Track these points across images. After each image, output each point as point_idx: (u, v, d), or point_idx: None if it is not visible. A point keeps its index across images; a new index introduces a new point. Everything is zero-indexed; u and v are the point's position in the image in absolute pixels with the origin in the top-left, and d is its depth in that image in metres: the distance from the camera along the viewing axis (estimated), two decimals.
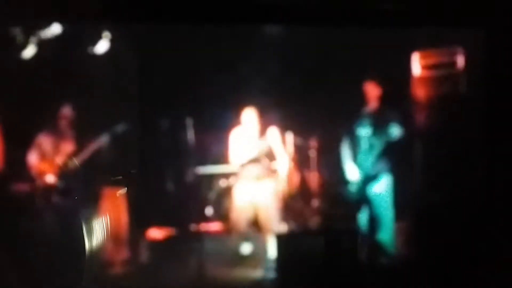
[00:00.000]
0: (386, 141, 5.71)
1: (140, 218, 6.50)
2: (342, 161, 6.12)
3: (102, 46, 6.31)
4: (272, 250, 5.78)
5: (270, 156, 6.20)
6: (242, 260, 6.05)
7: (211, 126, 6.14)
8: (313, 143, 7.50)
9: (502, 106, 5.02)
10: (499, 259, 4.69)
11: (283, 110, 7.73)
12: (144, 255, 6.38)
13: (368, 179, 5.86)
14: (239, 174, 6.11)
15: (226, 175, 6.46)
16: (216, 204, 6.91)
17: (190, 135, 6.59)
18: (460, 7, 4.89)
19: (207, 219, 6.77)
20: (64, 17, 5.47)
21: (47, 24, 5.72)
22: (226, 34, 6.73)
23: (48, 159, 5.70)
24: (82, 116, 5.83)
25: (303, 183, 7.55)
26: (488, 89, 5.14)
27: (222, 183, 6.36)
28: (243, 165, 6.10)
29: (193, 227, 6.59)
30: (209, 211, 6.88)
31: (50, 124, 5.81)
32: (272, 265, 5.64)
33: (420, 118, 6.10)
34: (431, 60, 6.13)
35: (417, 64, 6.17)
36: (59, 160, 5.70)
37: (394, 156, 5.80)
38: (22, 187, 5.71)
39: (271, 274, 5.66)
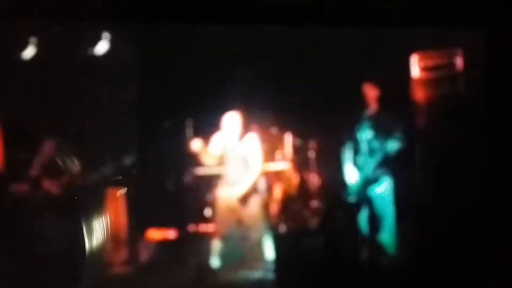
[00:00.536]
0: (386, 143, 5.69)
1: (140, 218, 6.50)
2: (342, 163, 6.10)
3: (101, 47, 6.31)
4: (271, 251, 5.77)
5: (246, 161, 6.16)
6: (242, 261, 6.03)
7: (211, 127, 6.09)
8: (313, 144, 7.50)
9: (502, 107, 5.01)
10: (502, 260, 4.68)
11: (281, 111, 7.76)
12: (145, 256, 6.37)
13: (368, 181, 5.85)
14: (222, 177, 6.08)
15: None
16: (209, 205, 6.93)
17: (190, 135, 6.58)
18: (459, 6, 4.89)
19: (206, 220, 6.78)
20: (64, 17, 5.48)
21: (47, 24, 5.70)
22: (226, 34, 6.74)
23: (48, 160, 5.68)
24: (81, 117, 5.81)
25: (303, 184, 7.55)
26: (488, 90, 5.13)
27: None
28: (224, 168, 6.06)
29: (193, 228, 6.58)
30: (207, 212, 6.90)
31: (49, 125, 5.79)
32: (272, 266, 5.62)
33: (420, 119, 6.09)
34: (431, 62, 6.12)
35: (416, 66, 6.17)
36: (59, 160, 5.68)
37: (394, 158, 5.79)
38: (21, 187, 5.69)
39: (271, 275, 5.64)
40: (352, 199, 6.02)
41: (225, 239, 5.91)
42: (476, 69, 5.57)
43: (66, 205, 5.55)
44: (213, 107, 6.18)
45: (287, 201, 7.33)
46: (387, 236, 5.77)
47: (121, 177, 6.11)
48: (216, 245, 5.94)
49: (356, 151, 5.96)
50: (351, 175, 5.98)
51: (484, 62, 5.18)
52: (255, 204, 6.03)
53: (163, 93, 7.22)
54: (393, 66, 6.28)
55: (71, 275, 5.40)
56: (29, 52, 5.93)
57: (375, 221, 5.85)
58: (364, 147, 5.87)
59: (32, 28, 5.84)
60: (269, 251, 5.87)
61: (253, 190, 6.35)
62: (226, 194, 5.98)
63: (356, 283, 5.23)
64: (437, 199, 5.71)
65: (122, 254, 6.30)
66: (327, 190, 7.34)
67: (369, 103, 5.92)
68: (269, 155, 7.54)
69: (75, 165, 5.68)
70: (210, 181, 6.38)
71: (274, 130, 7.63)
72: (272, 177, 7.32)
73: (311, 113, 7.52)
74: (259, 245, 5.91)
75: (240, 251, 6.06)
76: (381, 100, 5.93)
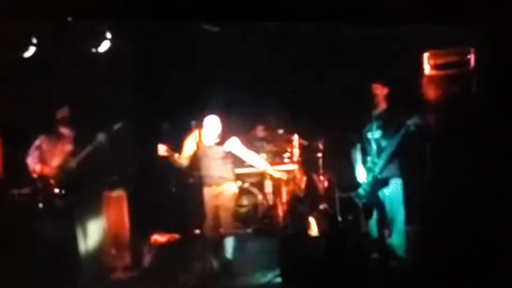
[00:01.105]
0: (395, 142, 5.60)
1: (142, 223, 6.47)
2: (351, 163, 6.02)
3: (103, 46, 6.28)
4: (276, 252, 5.70)
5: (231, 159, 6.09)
6: (247, 262, 5.98)
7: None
8: (321, 145, 7.43)
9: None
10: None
11: (289, 111, 7.71)
12: (146, 260, 6.34)
13: (378, 181, 5.75)
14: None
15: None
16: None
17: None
18: (468, 6, 4.83)
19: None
20: (65, 16, 5.46)
21: (48, 22, 5.68)
22: (230, 33, 6.71)
23: (47, 161, 5.64)
24: (80, 117, 5.76)
25: (310, 185, 7.48)
26: (496, 88, 5.07)
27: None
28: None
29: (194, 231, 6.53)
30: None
31: (49, 126, 5.75)
32: (279, 267, 5.55)
33: (430, 119, 6.01)
34: (440, 60, 6.04)
35: (426, 65, 6.09)
36: (58, 161, 5.65)
37: (404, 158, 5.70)
38: (20, 189, 5.68)
39: (277, 278, 5.57)
40: (361, 200, 5.93)
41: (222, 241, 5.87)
42: (486, 67, 5.50)
43: (63, 207, 5.55)
44: (216, 108, 6.08)
45: (295, 203, 7.28)
46: (397, 238, 5.68)
47: (119, 179, 6.10)
48: (216, 247, 5.89)
49: (365, 152, 5.87)
50: (360, 176, 5.88)
51: (493, 60, 5.13)
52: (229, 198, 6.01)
53: (163, 96, 7.21)
54: (402, 65, 6.23)
55: (69, 277, 5.41)
56: (28, 50, 5.93)
57: (385, 223, 5.77)
58: (374, 147, 5.77)
59: (31, 27, 5.83)
60: (273, 253, 5.79)
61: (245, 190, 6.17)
62: (211, 193, 5.93)
63: (364, 285, 5.19)
64: (447, 199, 5.64)
65: (124, 258, 6.28)
66: (335, 191, 7.29)
67: (378, 103, 5.83)
68: (277, 157, 7.50)
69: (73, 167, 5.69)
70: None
71: (281, 131, 7.59)
72: (279, 178, 7.26)
73: (319, 113, 7.48)
74: (262, 247, 5.83)
75: (243, 253, 6.00)
76: (390, 99, 5.85)
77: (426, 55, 6.07)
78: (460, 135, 5.71)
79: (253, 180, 7.14)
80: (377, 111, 5.84)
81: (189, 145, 5.96)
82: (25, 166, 5.63)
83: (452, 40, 5.89)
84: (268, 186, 7.16)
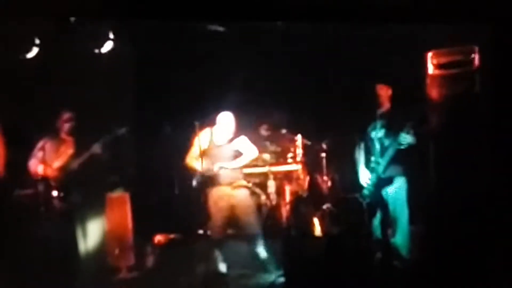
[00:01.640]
0: (399, 143, 5.58)
1: (145, 223, 6.47)
2: (354, 163, 6.01)
3: (105, 47, 6.28)
4: (280, 253, 5.68)
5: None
6: (249, 264, 5.95)
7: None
8: (324, 145, 7.42)
9: None
10: None
11: (293, 111, 7.69)
12: (150, 260, 6.34)
13: (381, 181, 5.73)
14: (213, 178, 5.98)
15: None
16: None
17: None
18: (472, 4, 4.81)
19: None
20: (67, 16, 5.46)
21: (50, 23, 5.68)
22: (234, 34, 6.70)
23: (50, 163, 5.64)
24: (82, 119, 5.75)
25: (314, 185, 7.46)
26: (501, 88, 5.04)
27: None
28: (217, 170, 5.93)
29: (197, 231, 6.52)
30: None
31: (52, 127, 5.76)
32: (282, 268, 5.54)
33: (433, 119, 5.98)
34: (443, 60, 6.00)
35: (429, 64, 6.06)
36: (60, 163, 5.65)
37: (407, 158, 5.68)
38: (23, 190, 5.68)
39: (280, 278, 5.55)
40: (364, 200, 5.91)
41: (227, 241, 5.84)
42: (489, 67, 5.47)
43: (65, 208, 5.55)
44: (218, 108, 6.06)
45: (298, 203, 7.26)
46: (401, 238, 5.66)
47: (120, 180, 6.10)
48: (220, 248, 5.87)
49: (369, 152, 5.85)
50: (364, 176, 5.87)
51: (497, 59, 5.10)
52: (250, 203, 5.94)
53: (166, 96, 7.20)
54: (406, 65, 6.20)
55: (69, 277, 5.41)
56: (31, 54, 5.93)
57: (388, 222, 5.75)
58: (378, 147, 5.75)
59: (31, 27, 5.83)
60: (277, 254, 5.77)
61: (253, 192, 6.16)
62: (219, 192, 5.87)
63: (368, 286, 5.17)
64: (451, 199, 5.61)
65: (127, 258, 6.28)
66: (339, 191, 7.28)
67: (382, 103, 5.81)
68: (280, 157, 7.48)
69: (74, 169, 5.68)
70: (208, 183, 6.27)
71: (284, 131, 7.57)
72: (283, 178, 7.25)
73: (322, 113, 7.47)
74: (264, 248, 5.80)
75: (245, 254, 5.97)
76: (394, 99, 5.83)
77: (429, 55, 6.04)
78: (464, 134, 5.67)
79: (256, 180, 7.11)
80: (380, 111, 5.83)
81: (199, 144, 5.87)
82: (28, 168, 5.64)
83: (456, 39, 5.87)
84: (271, 186, 7.13)
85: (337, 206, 7.13)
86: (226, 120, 5.91)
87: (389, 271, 5.54)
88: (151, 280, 6.08)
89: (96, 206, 5.67)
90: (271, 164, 7.11)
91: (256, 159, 6.43)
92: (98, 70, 6.30)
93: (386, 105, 5.80)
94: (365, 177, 5.86)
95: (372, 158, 5.80)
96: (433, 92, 6.01)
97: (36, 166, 5.60)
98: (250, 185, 6.20)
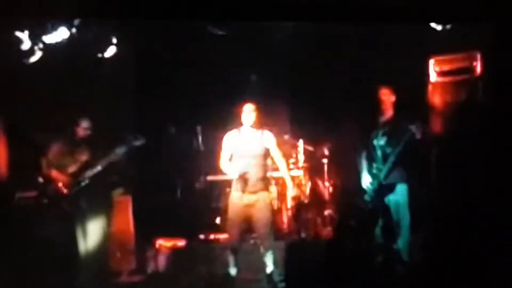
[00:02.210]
0: (401, 149, 5.58)
1: (148, 227, 6.47)
2: (356, 169, 6.00)
3: (109, 51, 6.30)
4: (283, 258, 5.66)
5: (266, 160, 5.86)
6: (252, 269, 5.93)
7: (219, 132, 5.96)
8: (326, 150, 7.42)
9: None
10: None
11: (295, 117, 7.70)
12: (150, 264, 6.33)
13: (383, 186, 5.73)
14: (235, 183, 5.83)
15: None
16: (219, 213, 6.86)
17: (199, 142, 6.51)
18: (474, 10, 4.81)
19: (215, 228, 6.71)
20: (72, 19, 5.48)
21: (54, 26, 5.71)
22: (235, 36, 6.70)
23: (60, 167, 5.63)
24: (94, 125, 5.73)
25: (316, 190, 7.46)
26: (503, 94, 5.04)
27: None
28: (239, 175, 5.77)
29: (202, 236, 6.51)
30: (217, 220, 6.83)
31: (64, 132, 5.74)
32: (284, 273, 5.52)
33: (435, 125, 6.00)
34: (446, 66, 6.03)
35: (431, 71, 6.08)
36: (72, 168, 5.63)
37: (409, 164, 5.68)
38: (27, 192, 5.69)
39: (283, 282, 5.54)
40: (366, 206, 5.91)
41: (236, 246, 5.74)
42: (491, 74, 5.48)
43: (64, 208, 5.55)
44: (221, 112, 6.05)
45: (301, 209, 7.24)
46: (402, 243, 5.66)
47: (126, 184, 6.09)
48: (227, 253, 5.82)
49: (371, 157, 5.85)
50: (366, 181, 5.87)
51: (499, 66, 5.10)
52: (265, 209, 5.77)
53: (170, 97, 7.21)
54: (407, 71, 6.21)
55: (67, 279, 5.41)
56: (36, 57, 5.95)
57: (390, 228, 5.74)
58: (378, 153, 5.76)
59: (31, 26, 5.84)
60: (279, 259, 5.74)
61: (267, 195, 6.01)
62: (237, 197, 5.73)
63: None
64: (453, 204, 5.62)
65: (130, 262, 6.28)
66: (341, 197, 7.27)
67: (384, 109, 5.82)
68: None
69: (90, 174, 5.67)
70: (220, 188, 6.24)
71: (287, 137, 7.56)
72: (284, 184, 7.23)
73: (324, 119, 7.47)
74: (270, 253, 5.74)
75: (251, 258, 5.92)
76: (396, 105, 5.84)
77: (432, 61, 6.06)
78: (465, 140, 5.68)
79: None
80: (382, 117, 5.83)
81: (228, 145, 5.62)
82: (34, 169, 5.63)
83: (458, 45, 5.88)
84: (273, 192, 7.11)
85: (338, 212, 7.12)
86: (251, 108, 5.61)
87: (391, 277, 5.54)
88: (152, 284, 6.09)
89: (99, 209, 5.66)
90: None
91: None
92: (101, 73, 6.32)
93: (389, 112, 5.80)
94: (367, 183, 5.86)
95: (374, 164, 5.80)
96: (435, 99, 6.03)
97: (47, 170, 5.58)
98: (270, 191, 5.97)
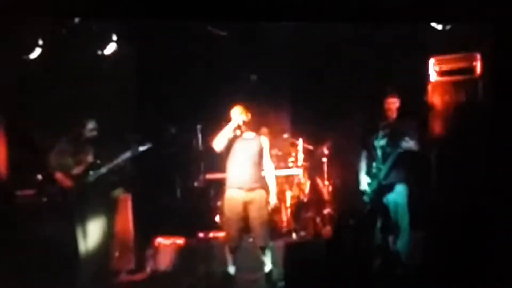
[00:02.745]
0: (401, 150, 5.59)
1: (147, 226, 6.47)
2: (356, 169, 6.01)
3: (109, 49, 6.30)
4: (281, 257, 5.66)
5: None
6: (250, 268, 5.94)
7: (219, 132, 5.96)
8: (325, 149, 7.43)
9: None
10: None
11: (295, 116, 7.71)
12: (151, 263, 6.34)
13: (383, 187, 5.74)
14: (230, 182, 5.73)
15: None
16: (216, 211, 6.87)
17: (199, 141, 6.51)
18: (475, 11, 4.81)
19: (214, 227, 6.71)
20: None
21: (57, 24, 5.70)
22: (235, 36, 6.70)
23: (63, 167, 5.63)
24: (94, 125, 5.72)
25: (315, 189, 7.46)
26: (500, 95, 5.05)
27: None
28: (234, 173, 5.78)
29: (201, 234, 6.51)
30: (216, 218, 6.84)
31: (68, 133, 5.74)
32: (282, 272, 5.53)
33: (435, 125, 6.00)
34: (446, 67, 6.02)
35: (432, 70, 6.08)
36: (78, 169, 5.63)
37: (409, 164, 5.69)
38: (27, 190, 5.69)
39: (282, 281, 5.55)
40: (365, 205, 5.92)
41: (233, 244, 5.75)
42: (491, 74, 5.48)
43: (65, 208, 5.56)
44: (221, 112, 6.03)
45: (299, 208, 7.25)
46: (402, 244, 5.67)
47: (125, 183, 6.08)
48: (225, 251, 5.82)
49: (370, 157, 5.86)
50: (365, 181, 5.87)
51: (499, 66, 5.10)
52: (262, 207, 5.77)
53: (171, 99, 7.21)
54: (407, 72, 6.23)
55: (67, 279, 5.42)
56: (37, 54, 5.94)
57: (389, 228, 5.75)
58: (378, 153, 5.76)
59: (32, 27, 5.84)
60: (278, 258, 5.74)
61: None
62: (233, 195, 5.74)
63: None
64: (452, 205, 5.62)
65: (129, 261, 6.29)
66: (340, 197, 7.28)
67: (389, 116, 5.82)
68: (282, 161, 7.47)
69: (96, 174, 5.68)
70: (219, 186, 6.22)
71: (286, 136, 7.57)
72: (284, 183, 7.24)
73: (324, 118, 7.47)
74: (269, 251, 5.75)
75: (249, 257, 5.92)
76: (398, 108, 5.85)
77: (432, 61, 6.05)
78: (464, 141, 5.69)
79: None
80: (382, 118, 5.84)
81: (227, 132, 5.60)
82: (36, 169, 5.64)
83: (458, 45, 5.88)
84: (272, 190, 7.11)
85: (338, 211, 7.13)
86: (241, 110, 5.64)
87: (390, 277, 5.55)
88: (152, 283, 6.10)
89: (99, 208, 5.66)
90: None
91: None
92: (101, 72, 6.32)
93: (392, 117, 5.81)
94: (366, 183, 5.87)
95: (374, 164, 5.80)
96: (435, 99, 6.02)
97: (52, 170, 5.58)
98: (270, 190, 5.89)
